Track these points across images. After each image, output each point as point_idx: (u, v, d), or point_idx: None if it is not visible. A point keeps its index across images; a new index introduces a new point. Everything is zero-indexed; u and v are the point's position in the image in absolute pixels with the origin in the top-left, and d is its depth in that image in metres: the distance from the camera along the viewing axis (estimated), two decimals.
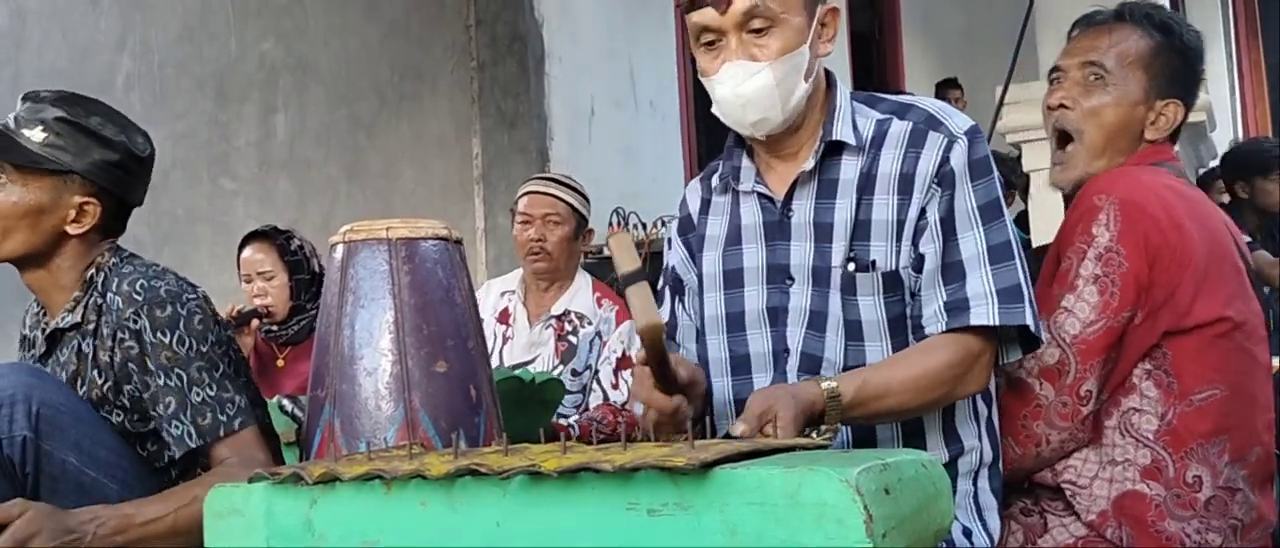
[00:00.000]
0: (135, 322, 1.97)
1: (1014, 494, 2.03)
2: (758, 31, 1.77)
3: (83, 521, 1.80)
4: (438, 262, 1.78)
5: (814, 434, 1.63)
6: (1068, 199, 2.11)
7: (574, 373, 3.27)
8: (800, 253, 1.86)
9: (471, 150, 5.33)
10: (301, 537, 1.39)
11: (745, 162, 1.94)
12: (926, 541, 1.28)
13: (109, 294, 2.01)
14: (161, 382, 1.96)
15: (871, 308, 1.82)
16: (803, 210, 1.86)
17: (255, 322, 3.41)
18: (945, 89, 8.36)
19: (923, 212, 1.81)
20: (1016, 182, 5.48)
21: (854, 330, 1.82)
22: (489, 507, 1.30)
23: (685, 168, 6.22)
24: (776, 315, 1.87)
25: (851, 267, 1.82)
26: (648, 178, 5.81)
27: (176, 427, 1.96)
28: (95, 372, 2.02)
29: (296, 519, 1.40)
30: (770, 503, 1.17)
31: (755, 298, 1.89)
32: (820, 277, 1.84)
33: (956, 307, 1.78)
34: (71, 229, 2.05)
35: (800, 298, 1.86)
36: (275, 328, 3.45)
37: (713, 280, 1.94)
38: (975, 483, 1.89)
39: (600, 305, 3.42)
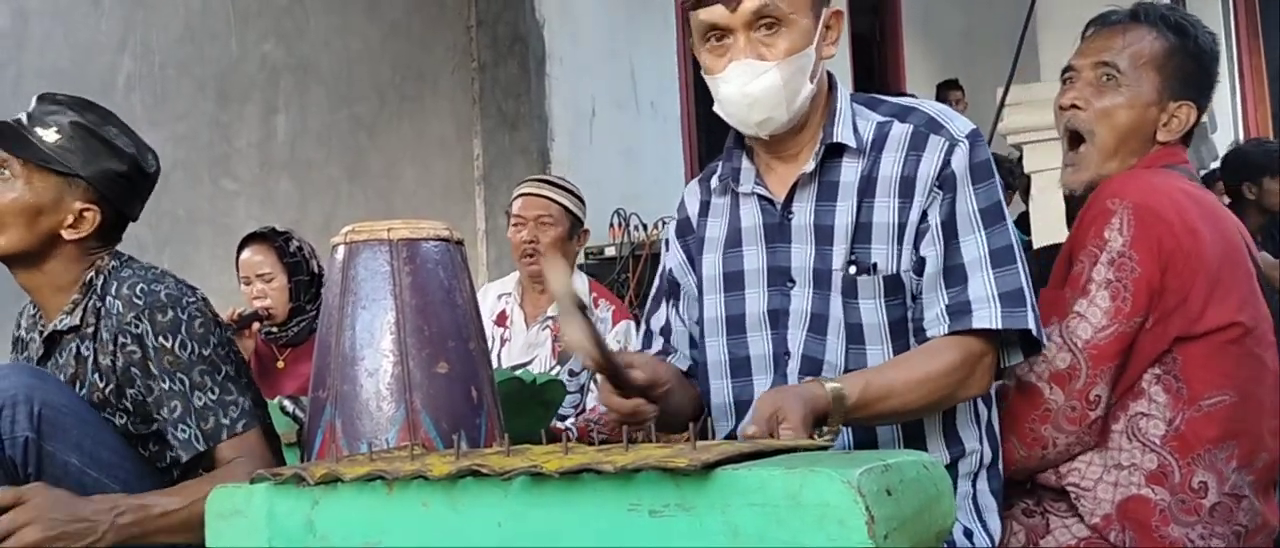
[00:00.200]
0: (137, 326, 1.97)
1: (1016, 495, 2.03)
2: (766, 31, 1.78)
3: (101, 509, 1.82)
4: (439, 262, 1.78)
5: (815, 435, 1.64)
6: (1079, 201, 2.09)
7: (572, 373, 3.28)
8: (801, 255, 1.86)
9: (472, 151, 5.34)
10: (303, 537, 1.39)
11: (745, 163, 1.94)
12: (928, 542, 1.28)
13: (108, 298, 2.01)
14: (165, 386, 1.96)
15: (872, 311, 1.82)
16: (803, 213, 1.86)
17: (255, 324, 3.40)
18: (946, 90, 8.36)
19: (924, 215, 1.80)
20: (1015, 183, 5.48)
21: (855, 334, 1.82)
22: (491, 508, 1.30)
23: (686, 169, 6.22)
24: (777, 318, 1.87)
25: (852, 270, 1.82)
26: (649, 179, 5.81)
27: (182, 431, 1.96)
28: (96, 375, 2.02)
29: (298, 520, 1.40)
30: (772, 504, 1.18)
31: (756, 300, 1.89)
32: (821, 279, 1.84)
33: (959, 310, 1.78)
34: (67, 234, 2.05)
35: (801, 301, 1.85)
36: (275, 330, 3.44)
37: (713, 283, 1.94)
38: (975, 484, 1.89)
39: (597, 306, 3.42)
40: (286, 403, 2.48)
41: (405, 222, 1.79)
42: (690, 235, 2.02)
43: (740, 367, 1.90)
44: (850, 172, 1.85)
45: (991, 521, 1.89)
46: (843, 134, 1.85)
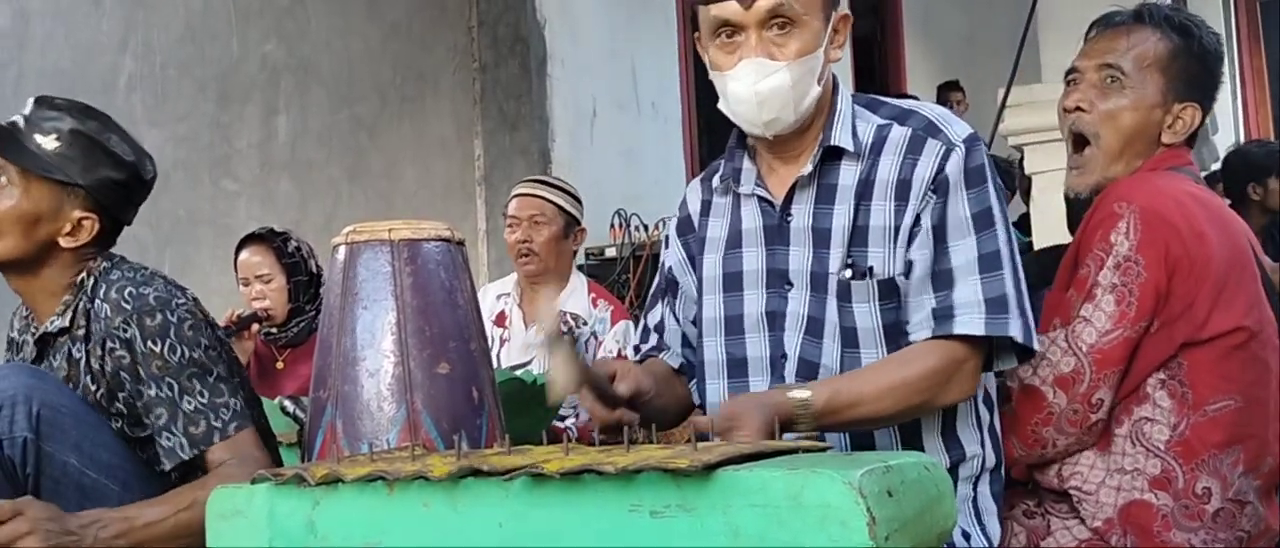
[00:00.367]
0: (125, 331, 1.95)
1: (1017, 496, 2.03)
2: (778, 31, 1.78)
3: (84, 523, 1.80)
4: (440, 263, 1.78)
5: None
6: (1080, 202, 2.08)
7: None
8: (799, 258, 1.86)
9: (473, 152, 5.34)
10: (304, 538, 1.39)
11: (746, 163, 1.94)
12: (929, 543, 1.28)
13: (97, 300, 1.99)
14: (153, 392, 1.95)
15: (867, 315, 1.82)
16: (801, 215, 1.86)
17: (255, 326, 3.39)
18: (947, 92, 8.35)
19: (917, 218, 1.80)
20: (1013, 185, 5.47)
21: (850, 337, 1.82)
22: (492, 508, 1.30)
23: (687, 170, 6.22)
24: (775, 320, 1.87)
25: (848, 274, 1.81)
26: (649, 180, 5.81)
27: (169, 439, 1.94)
28: (88, 378, 2.01)
29: (299, 520, 1.40)
30: (773, 505, 1.18)
31: (754, 302, 1.89)
32: (818, 283, 1.84)
33: (943, 314, 1.77)
34: (64, 242, 2.03)
35: (798, 303, 1.85)
36: (274, 330, 3.43)
37: (712, 283, 1.94)
38: (975, 488, 1.88)
39: (596, 306, 3.43)
40: (287, 403, 2.48)
41: (406, 222, 1.79)
42: (691, 234, 2.02)
43: (737, 368, 1.90)
44: (848, 174, 1.84)
45: (991, 524, 1.89)
46: (841, 137, 1.85)
